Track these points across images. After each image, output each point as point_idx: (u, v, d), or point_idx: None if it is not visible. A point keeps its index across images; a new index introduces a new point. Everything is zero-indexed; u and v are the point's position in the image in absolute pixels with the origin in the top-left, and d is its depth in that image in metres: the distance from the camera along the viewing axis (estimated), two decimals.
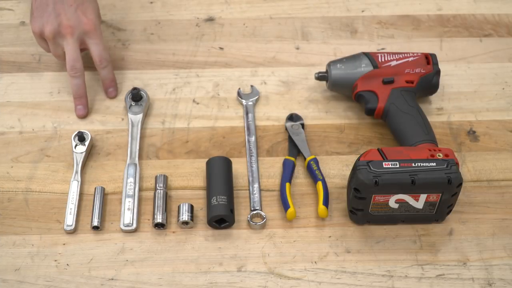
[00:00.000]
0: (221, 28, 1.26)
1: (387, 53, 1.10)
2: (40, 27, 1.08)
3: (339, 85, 1.11)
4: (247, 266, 0.95)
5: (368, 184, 0.90)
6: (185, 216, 0.97)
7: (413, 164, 0.91)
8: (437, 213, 0.96)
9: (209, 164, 1.02)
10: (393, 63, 1.08)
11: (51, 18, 1.07)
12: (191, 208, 0.98)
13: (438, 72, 1.09)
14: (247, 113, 1.12)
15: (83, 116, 1.11)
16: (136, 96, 1.11)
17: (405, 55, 1.09)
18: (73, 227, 0.97)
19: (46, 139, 1.09)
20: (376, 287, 0.93)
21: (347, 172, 0.98)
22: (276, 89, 1.17)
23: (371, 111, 1.07)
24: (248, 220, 0.98)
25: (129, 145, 1.07)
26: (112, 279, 0.93)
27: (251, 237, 0.98)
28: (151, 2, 1.30)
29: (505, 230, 0.98)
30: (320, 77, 1.12)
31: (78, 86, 1.10)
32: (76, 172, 1.03)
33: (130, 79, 1.17)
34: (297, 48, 1.23)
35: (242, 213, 1.00)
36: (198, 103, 1.14)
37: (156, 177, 1.02)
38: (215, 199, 0.97)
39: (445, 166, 0.91)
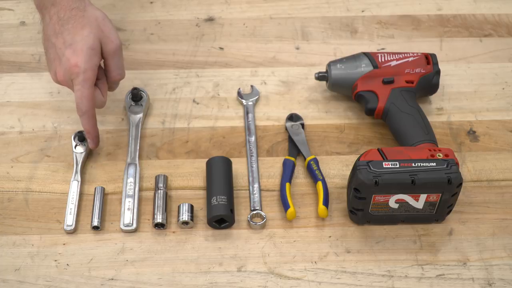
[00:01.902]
0: (221, 28, 1.26)
1: (387, 53, 1.10)
2: (51, 74, 1.04)
3: (339, 85, 1.10)
4: (247, 266, 0.95)
5: (368, 184, 0.90)
6: (185, 216, 0.97)
7: (413, 164, 0.91)
8: (437, 213, 0.96)
9: (209, 164, 1.02)
10: (393, 63, 1.08)
11: (52, 66, 1.02)
12: (191, 208, 0.98)
13: (438, 72, 1.09)
14: (247, 113, 1.12)
15: (93, 148, 1.06)
16: (136, 96, 1.11)
17: (405, 55, 1.09)
18: (73, 227, 0.97)
19: (46, 139, 1.09)
20: (376, 287, 0.93)
21: (347, 172, 0.98)
22: (276, 89, 1.17)
23: (371, 111, 1.07)
24: (248, 220, 0.98)
25: (129, 145, 1.07)
26: (112, 279, 0.93)
27: (251, 237, 0.98)
28: (151, 2, 1.30)
29: (505, 230, 0.98)
30: (320, 77, 1.12)
31: (84, 123, 1.03)
32: (76, 172, 1.03)
33: (130, 79, 1.17)
34: (297, 48, 1.23)
35: (242, 213, 1.00)
36: (198, 103, 1.14)
37: (156, 177, 1.02)
38: (215, 199, 0.97)
39: (445, 166, 0.91)
